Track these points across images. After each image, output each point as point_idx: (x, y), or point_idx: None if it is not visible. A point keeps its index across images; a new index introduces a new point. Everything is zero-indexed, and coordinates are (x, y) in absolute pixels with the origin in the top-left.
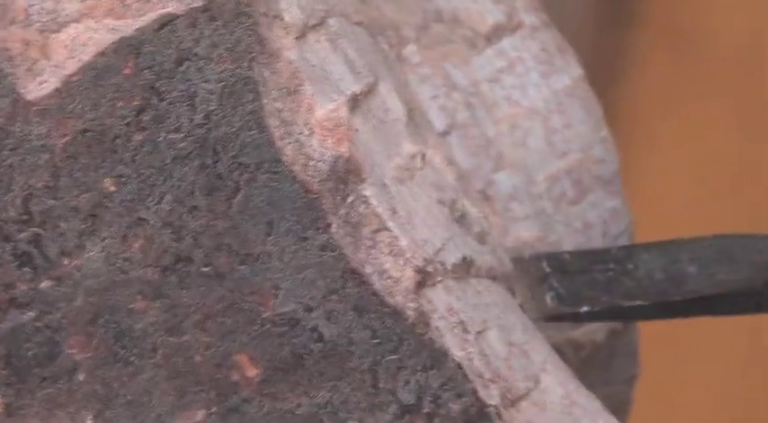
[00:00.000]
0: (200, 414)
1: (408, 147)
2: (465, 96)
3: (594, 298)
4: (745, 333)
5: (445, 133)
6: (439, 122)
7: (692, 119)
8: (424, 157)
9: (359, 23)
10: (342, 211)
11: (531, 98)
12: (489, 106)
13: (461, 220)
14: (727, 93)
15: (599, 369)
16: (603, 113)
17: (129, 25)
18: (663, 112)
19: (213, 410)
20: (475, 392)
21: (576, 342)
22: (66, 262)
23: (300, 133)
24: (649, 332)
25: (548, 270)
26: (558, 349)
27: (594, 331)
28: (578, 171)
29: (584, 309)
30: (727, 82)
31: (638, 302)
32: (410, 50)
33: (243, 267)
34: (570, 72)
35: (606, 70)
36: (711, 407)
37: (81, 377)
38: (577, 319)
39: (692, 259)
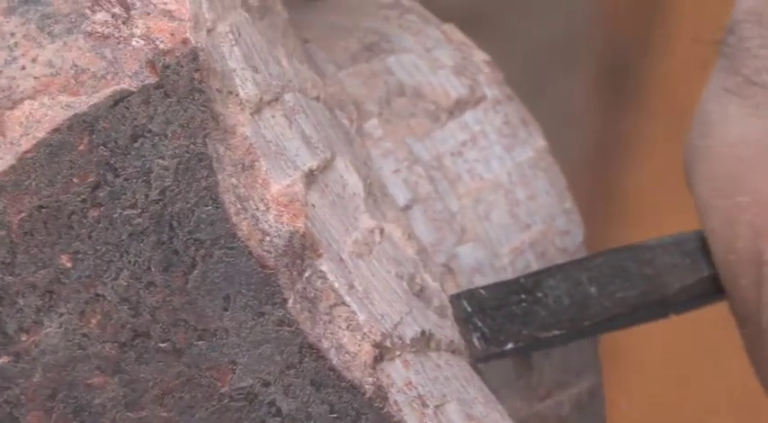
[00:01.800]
0: None
1: (366, 221)
2: (428, 170)
3: (515, 333)
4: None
5: (407, 207)
6: (401, 196)
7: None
8: (382, 231)
9: (316, 98)
10: (298, 287)
11: (494, 171)
12: (452, 180)
13: (421, 293)
14: None
15: None
16: (602, 193)
17: (84, 102)
18: (667, 195)
19: None
20: None
21: (540, 415)
22: (24, 338)
23: (256, 209)
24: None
25: (469, 310)
26: (524, 422)
27: (560, 404)
28: (542, 243)
29: (509, 346)
30: None
31: (555, 332)
32: (372, 125)
33: (200, 343)
34: (533, 144)
35: (609, 155)
36: None
37: None
38: (504, 356)
39: (591, 279)
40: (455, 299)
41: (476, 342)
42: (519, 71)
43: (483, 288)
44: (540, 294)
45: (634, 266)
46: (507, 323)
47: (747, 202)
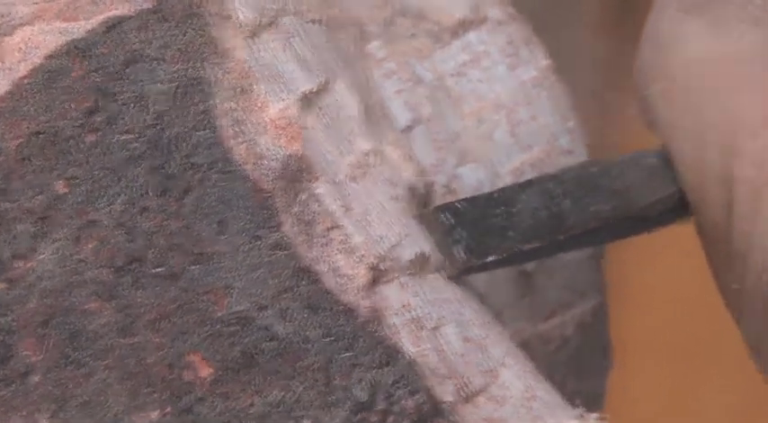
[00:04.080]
0: (155, 414)
1: (363, 144)
2: (430, 91)
3: (496, 245)
4: None
5: (409, 128)
6: (403, 117)
7: None
8: (379, 153)
9: (315, 21)
10: (294, 210)
11: (496, 91)
12: (455, 100)
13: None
14: None
15: (569, 362)
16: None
17: (79, 27)
18: None
19: (167, 411)
20: (429, 389)
21: (543, 336)
22: (18, 264)
23: (252, 132)
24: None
25: (452, 221)
26: (526, 344)
27: (563, 324)
28: (544, 163)
29: (491, 258)
30: None
31: (535, 244)
32: (374, 46)
33: (196, 267)
34: (536, 63)
35: (613, 98)
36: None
37: (35, 379)
38: (484, 269)
39: (565, 193)
40: (434, 212)
41: (458, 254)
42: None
43: (461, 201)
44: (515, 208)
45: (604, 181)
46: (488, 235)
47: (714, 121)
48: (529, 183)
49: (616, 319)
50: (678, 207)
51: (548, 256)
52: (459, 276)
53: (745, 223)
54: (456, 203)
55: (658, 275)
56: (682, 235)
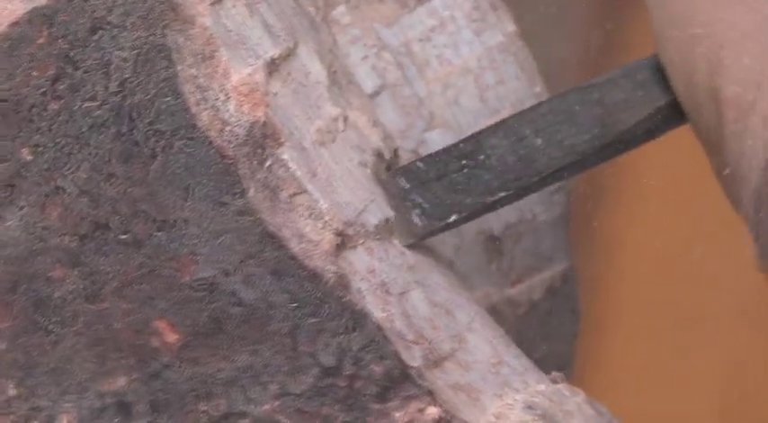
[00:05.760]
0: (122, 380)
1: (330, 109)
2: (396, 56)
3: (459, 203)
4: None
5: (375, 94)
6: (369, 83)
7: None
8: (346, 119)
9: None
10: (259, 176)
11: (463, 56)
12: (421, 66)
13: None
14: None
15: (538, 326)
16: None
17: None
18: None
19: (135, 377)
20: (396, 354)
21: (512, 300)
22: None
23: (216, 99)
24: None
25: (407, 186)
26: (495, 308)
27: (532, 289)
28: None
29: (452, 217)
30: None
31: (501, 194)
32: (339, 12)
33: (160, 234)
34: (503, 28)
35: (579, 67)
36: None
37: (2, 346)
38: (447, 229)
39: (536, 131)
40: (390, 178)
41: (416, 219)
42: None
43: (421, 160)
44: (481, 156)
45: (582, 109)
46: (449, 194)
47: (701, 35)
48: (497, 125)
49: (585, 284)
50: (670, 119)
51: (512, 203)
52: (417, 242)
53: (734, 143)
54: (417, 163)
55: (629, 241)
56: (653, 199)
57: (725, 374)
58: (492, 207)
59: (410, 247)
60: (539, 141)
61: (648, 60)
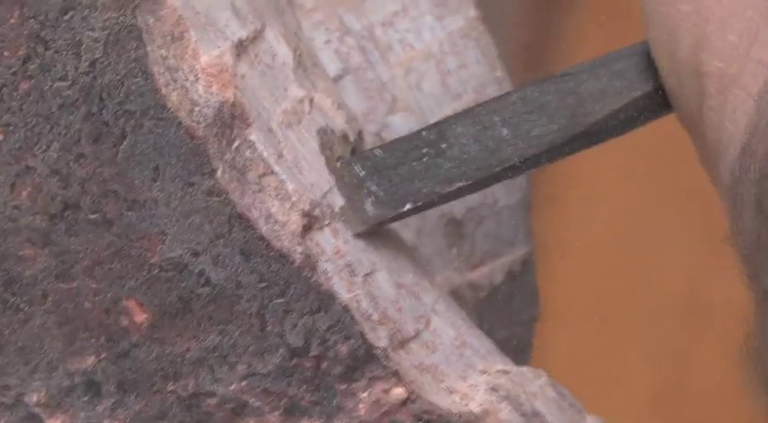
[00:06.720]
0: (91, 359)
1: (296, 91)
2: (359, 40)
3: (414, 191)
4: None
5: (339, 77)
6: (332, 67)
7: None
8: (312, 101)
9: None
10: (228, 157)
11: (425, 41)
12: (383, 50)
13: None
14: None
15: (498, 310)
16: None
17: None
18: None
19: (103, 356)
20: (362, 335)
21: (474, 283)
22: None
23: (185, 80)
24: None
25: (362, 174)
26: (456, 291)
27: (492, 273)
28: None
29: (407, 206)
30: None
31: (459, 184)
32: None
33: (130, 213)
34: (464, 13)
35: (540, 53)
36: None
37: None
38: (401, 217)
39: (503, 121)
40: (346, 165)
41: (369, 208)
42: None
43: (380, 147)
44: (444, 145)
45: (554, 99)
46: (405, 182)
47: (688, 10)
48: (464, 114)
49: (545, 269)
50: (646, 109)
51: (471, 193)
52: (369, 231)
53: (715, 116)
54: (374, 150)
55: (588, 228)
56: (613, 188)
57: (660, 362)
58: (449, 197)
59: (368, 231)
60: (505, 131)
61: (627, 50)
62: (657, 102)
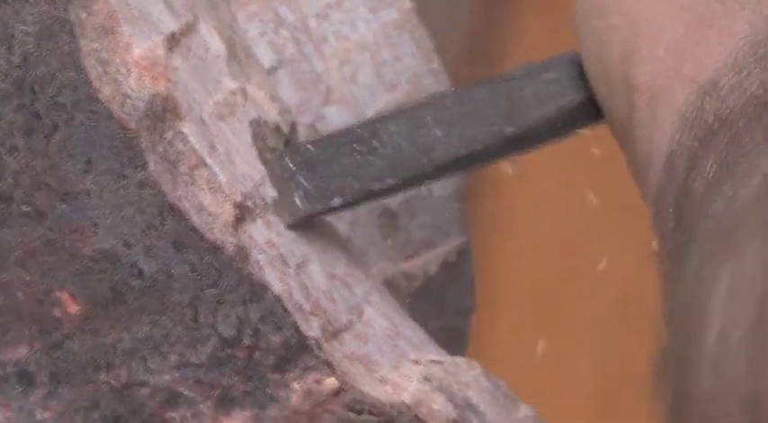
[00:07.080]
0: (24, 350)
1: (229, 83)
2: (293, 32)
3: (344, 187)
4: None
5: (273, 69)
6: (267, 59)
7: None
8: (245, 93)
9: None
10: (160, 149)
11: (359, 32)
12: (318, 42)
13: None
14: None
15: (433, 300)
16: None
17: None
18: None
19: (36, 347)
20: (295, 325)
21: (408, 274)
22: None
23: (118, 72)
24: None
25: (293, 167)
26: (391, 281)
27: (427, 263)
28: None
29: (336, 201)
30: None
31: (389, 182)
32: None
33: (62, 206)
34: (399, 5)
35: (483, 47)
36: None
37: None
38: (330, 212)
39: (437, 121)
40: (277, 158)
41: (298, 201)
42: None
43: (311, 142)
44: (375, 143)
45: (489, 102)
46: (336, 177)
47: (618, 24)
48: (399, 112)
49: (483, 260)
50: (580, 117)
51: (402, 191)
52: (298, 223)
53: (644, 128)
54: (307, 145)
55: (527, 220)
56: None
57: (600, 353)
58: (379, 194)
59: (300, 223)
60: (438, 131)
61: (563, 57)
62: (591, 111)
